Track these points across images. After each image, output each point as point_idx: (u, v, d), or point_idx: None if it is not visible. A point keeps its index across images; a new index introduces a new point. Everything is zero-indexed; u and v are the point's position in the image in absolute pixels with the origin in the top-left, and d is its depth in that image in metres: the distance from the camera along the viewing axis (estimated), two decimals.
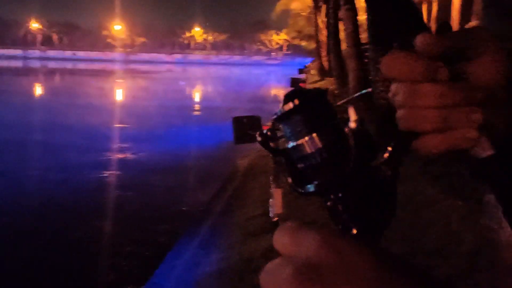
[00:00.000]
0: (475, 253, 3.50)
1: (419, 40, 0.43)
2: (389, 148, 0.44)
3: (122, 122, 15.58)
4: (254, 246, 4.30)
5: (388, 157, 0.44)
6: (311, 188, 0.44)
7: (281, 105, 0.45)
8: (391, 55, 0.44)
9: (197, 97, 30.07)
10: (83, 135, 12.88)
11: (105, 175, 8.90)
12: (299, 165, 0.45)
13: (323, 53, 26.22)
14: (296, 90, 0.45)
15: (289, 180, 0.46)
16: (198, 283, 3.74)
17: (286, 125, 0.45)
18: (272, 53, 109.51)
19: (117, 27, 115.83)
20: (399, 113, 0.44)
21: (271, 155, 0.48)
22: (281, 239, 0.37)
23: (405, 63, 0.43)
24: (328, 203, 0.44)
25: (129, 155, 10.61)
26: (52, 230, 6.14)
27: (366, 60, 12.37)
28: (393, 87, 0.44)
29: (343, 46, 15.40)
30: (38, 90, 32.14)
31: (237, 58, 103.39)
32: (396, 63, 0.43)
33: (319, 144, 0.43)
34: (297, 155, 0.45)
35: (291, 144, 0.45)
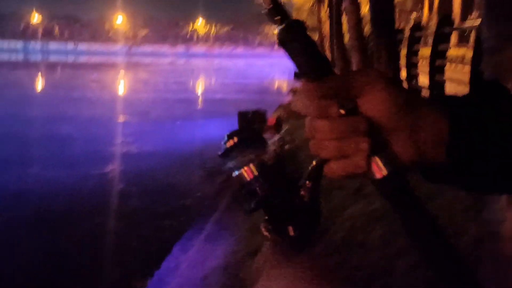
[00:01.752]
0: (477, 245, 3.50)
1: (301, 88, 0.51)
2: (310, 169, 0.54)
3: (125, 116, 15.56)
4: (261, 240, 4.29)
5: (306, 181, 0.54)
6: (251, 206, 0.54)
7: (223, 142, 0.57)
8: (296, 95, 0.53)
9: (200, 89, 30.03)
10: (85, 129, 12.84)
11: (108, 169, 8.89)
12: (242, 190, 0.55)
13: (326, 45, 26.12)
14: (234, 131, 0.57)
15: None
16: (205, 277, 3.74)
17: (229, 159, 0.56)
18: (275, 45, 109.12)
19: (119, 20, 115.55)
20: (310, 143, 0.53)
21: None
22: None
23: (303, 103, 0.51)
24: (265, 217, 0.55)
25: (132, 149, 10.59)
26: (54, 227, 6.12)
27: (369, 53, 12.29)
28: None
29: (346, 38, 15.32)
30: (39, 83, 32.11)
31: (240, 50, 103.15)
32: (298, 103, 0.52)
33: (255, 172, 0.54)
34: (240, 182, 0.55)
35: (235, 173, 0.55)
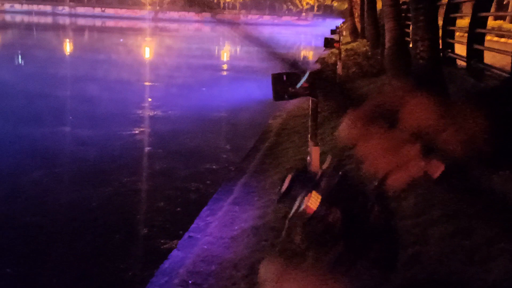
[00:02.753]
0: None
1: (347, 117, 0.55)
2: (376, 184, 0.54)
3: (151, 80, 15.58)
4: (289, 204, 4.23)
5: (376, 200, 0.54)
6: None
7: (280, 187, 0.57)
8: (343, 124, 0.55)
9: (226, 56, 29.81)
10: (112, 92, 12.90)
11: (135, 132, 8.92)
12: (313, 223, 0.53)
13: (356, 13, 25.55)
14: (287, 175, 0.57)
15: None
16: (234, 238, 3.72)
17: (288, 201, 0.56)
18: (302, 14, 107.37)
19: None
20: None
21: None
22: None
23: (350, 129, 0.54)
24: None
25: (159, 113, 10.61)
26: (83, 186, 6.18)
27: (402, 21, 11.92)
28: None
29: (379, 4, 14.90)
30: (68, 46, 32.30)
31: (267, 18, 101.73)
32: (345, 130, 0.55)
33: (319, 200, 0.53)
34: (307, 215, 0.53)
35: (301, 208, 0.54)
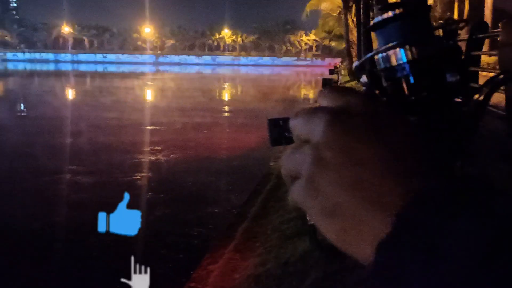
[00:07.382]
0: None
1: None
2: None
3: (152, 124, 15.66)
4: (291, 250, 4.20)
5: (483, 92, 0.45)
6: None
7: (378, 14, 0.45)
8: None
9: (227, 98, 30.10)
10: (113, 137, 12.96)
11: (136, 177, 8.91)
12: (387, 75, 0.44)
13: (354, 53, 25.97)
14: (400, 1, 0.44)
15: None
16: None
17: (382, 34, 0.44)
18: (301, 54, 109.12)
19: (147, 30, 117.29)
20: (503, 50, 0.42)
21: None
22: (295, 122, 0.39)
23: None
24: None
25: (160, 157, 10.62)
26: (83, 233, 6.12)
27: None
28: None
29: (375, 45, 15.14)
30: (70, 92, 32.71)
31: (266, 59, 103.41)
32: None
33: (415, 55, 0.42)
34: (387, 65, 0.43)
35: (382, 54, 0.44)
